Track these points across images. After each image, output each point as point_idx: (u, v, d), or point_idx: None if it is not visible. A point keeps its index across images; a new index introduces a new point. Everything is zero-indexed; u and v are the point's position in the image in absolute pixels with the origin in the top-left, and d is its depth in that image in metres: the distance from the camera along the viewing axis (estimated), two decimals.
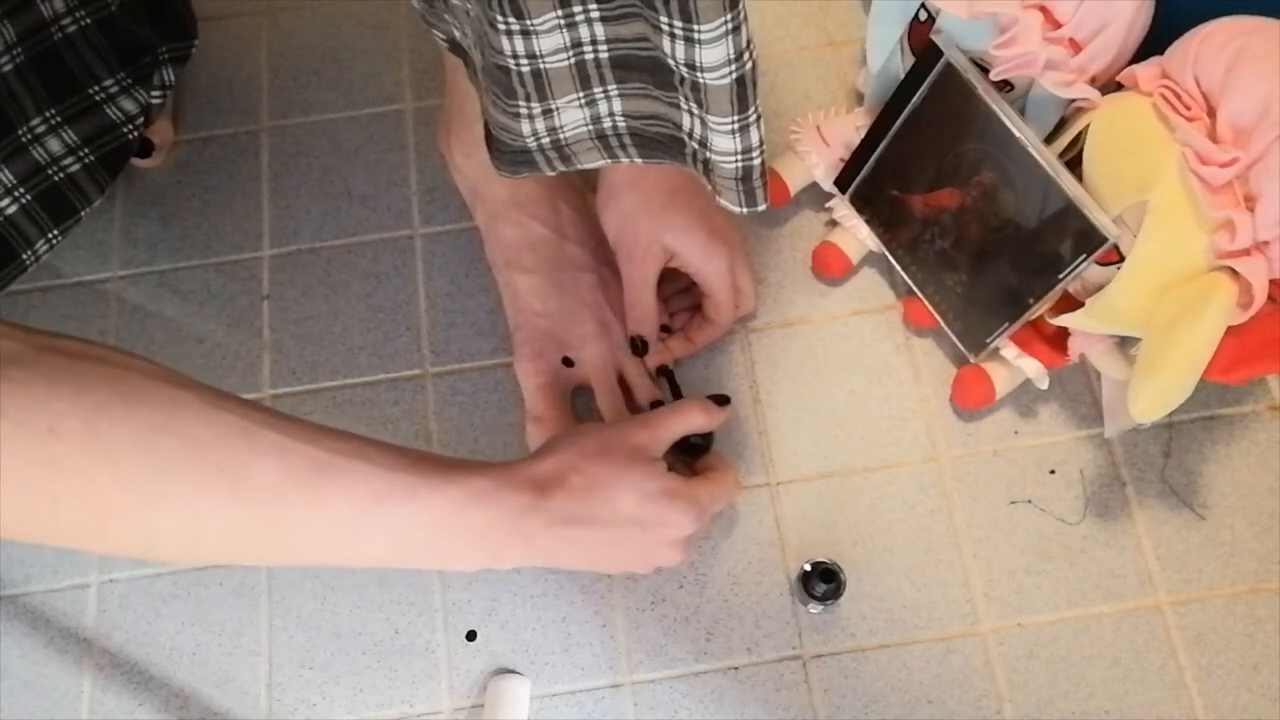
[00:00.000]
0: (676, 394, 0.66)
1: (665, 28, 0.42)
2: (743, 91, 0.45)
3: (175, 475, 0.41)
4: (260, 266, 0.73)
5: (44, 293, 0.73)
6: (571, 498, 0.51)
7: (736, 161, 0.49)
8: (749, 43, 0.43)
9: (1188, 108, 0.52)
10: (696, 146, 0.50)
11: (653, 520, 0.53)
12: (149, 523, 0.41)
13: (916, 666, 0.62)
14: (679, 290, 0.69)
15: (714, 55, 0.43)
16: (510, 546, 0.50)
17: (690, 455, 0.63)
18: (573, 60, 0.46)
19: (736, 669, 0.62)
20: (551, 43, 0.45)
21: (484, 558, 0.50)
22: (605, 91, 0.48)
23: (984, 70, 0.58)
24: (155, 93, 0.67)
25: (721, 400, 0.61)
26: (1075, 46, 0.56)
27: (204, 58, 0.78)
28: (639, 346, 0.65)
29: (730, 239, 0.65)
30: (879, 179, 0.65)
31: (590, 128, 0.51)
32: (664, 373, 0.66)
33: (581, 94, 0.48)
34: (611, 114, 0.50)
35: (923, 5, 0.60)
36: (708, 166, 0.51)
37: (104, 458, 0.39)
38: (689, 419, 0.58)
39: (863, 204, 0.67)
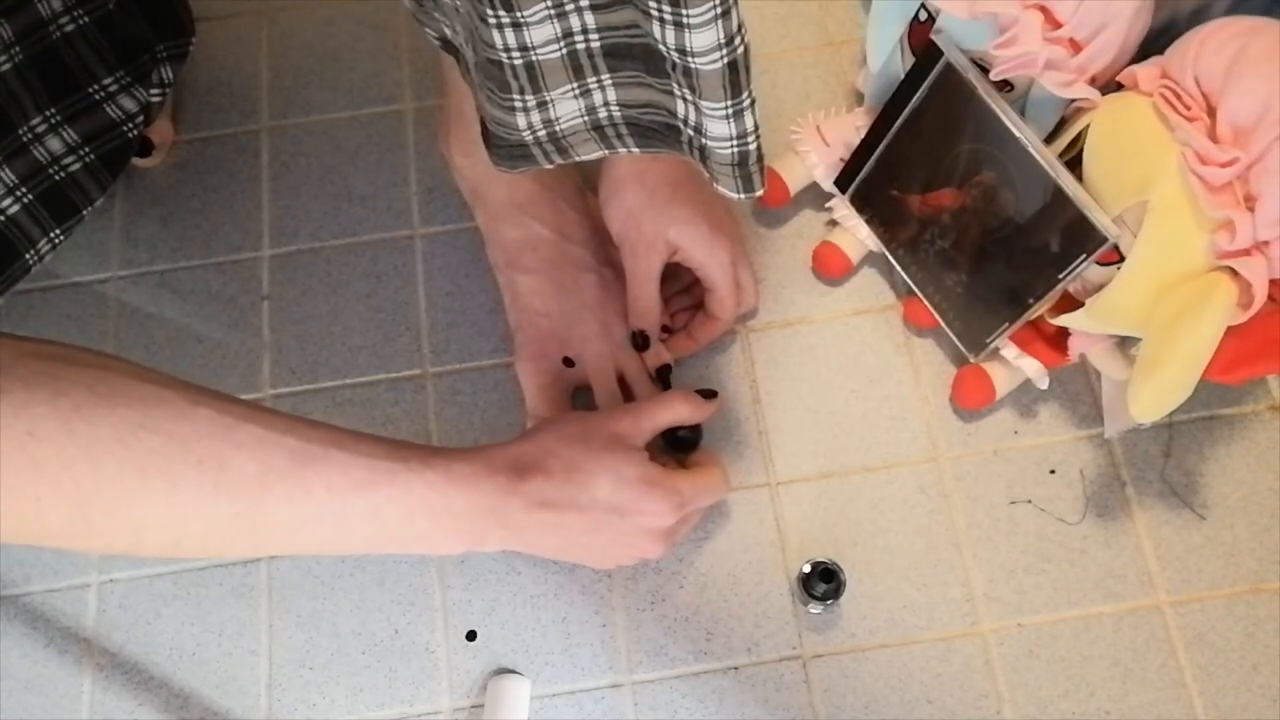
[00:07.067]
0: None
1: (655, 13, 0.42)
2: (735, 76, 0.45)
3: (156, 470, 0.42)
4: (260, 266, 0.73)
5: (44, 293, 0.73)
6: (549, 481, 0.52)
7: (732, 147, 0.49)
8: (740, 27, 0.43)
9: (1188, 108, 0.52)
10: (692, 133, 0.50)
11: (630, 507, 0.53)
12: (134, 518, 0.42)
13: (916, 666, 0.62)
14: (680, 290, 0.69)
15: (704, 40, 0.43)
16: (490, 529, 0.51)
17: (679, 449, 0.63)
18: (565, 51, 0.46)
19: (736, 669, 0.62)
20: (542, 34, 0.45)
21: (465, 540, 0.51)
22: (599, 81, 0.48)
23: (984, 70, 0.58)
24: (154, 91, 0.67)
25: (709, 394, 0.61)
26: (1075, 46, 0.56)
27: (203, 57, 0.78)
28: (640, 341, 0.65)
29: (733, 234, 0.65)
30: (879, 179, 0.65)
31: (586, 118, 0.51)
32: (662, 373, 0.66)
33: (575, 84, 0.48)
34: (606, 104, 0.50)
35: (923, 5, 0.60)
36: (704, 153, 0.51)
37: (85, 457, 0.40)
38: (673, 409, 0.58)
39: (863, 204, 0.67)
